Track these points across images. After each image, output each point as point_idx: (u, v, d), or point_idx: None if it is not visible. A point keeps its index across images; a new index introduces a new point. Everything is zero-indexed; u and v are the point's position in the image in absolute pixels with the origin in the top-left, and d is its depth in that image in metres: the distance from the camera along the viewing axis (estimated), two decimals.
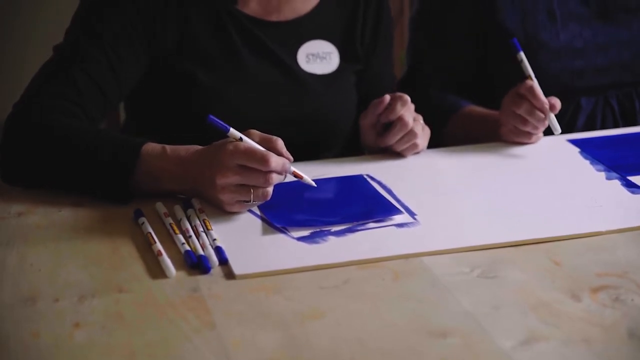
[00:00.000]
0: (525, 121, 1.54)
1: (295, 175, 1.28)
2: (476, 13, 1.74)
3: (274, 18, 1.56)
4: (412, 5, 1.87)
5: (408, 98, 1.47)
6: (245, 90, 1.52)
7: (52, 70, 1.42)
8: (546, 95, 1.54)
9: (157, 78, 1.51)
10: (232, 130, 1.25)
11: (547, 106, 1.53)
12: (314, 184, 1.30)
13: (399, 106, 1.46)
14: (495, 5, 1.73)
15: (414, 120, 1.47)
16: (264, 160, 1.22)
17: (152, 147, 1.30)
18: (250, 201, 1.25)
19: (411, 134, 1.47)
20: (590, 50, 1.75)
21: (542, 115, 1.53)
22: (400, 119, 1.46)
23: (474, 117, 1.68)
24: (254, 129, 1.28)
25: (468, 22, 1.75)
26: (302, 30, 1.58)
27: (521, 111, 1.54)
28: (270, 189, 1.25)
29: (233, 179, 1.24)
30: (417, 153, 1.51)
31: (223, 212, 1.27)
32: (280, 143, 1.27)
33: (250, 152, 1.23)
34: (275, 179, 1.25)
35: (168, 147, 1.30)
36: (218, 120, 1.25)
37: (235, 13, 1.53)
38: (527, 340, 0.98)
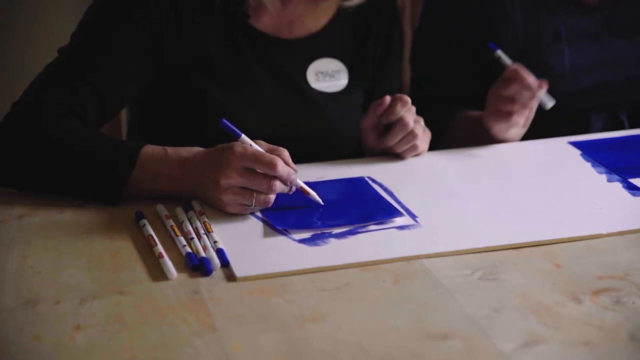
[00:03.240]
0: (512, 101, 1.54)
1: (302, 190, 1.29)
2: (477, 34, 1.73)
3: (286, 35, 1.56)
4: (413, 12, 1.86)
5: (409, 99, 1.47)
6: (255, 107, 1.52)
7: (54, 74, 1.41)
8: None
9: (167, 91, 1.51)
10: (243, 136, 1.27)
11: (535, 84, 1.53)
12: (321, 201, 1.30)
13: (399, 107, 1.46)
14: (496, 31, 1.72)
15: (415, 122, 1.47)
16: (272, 164, 1.23)
17: (152, 149, 1.30)
18: (251, 205, 1.25)
19: (411, 135, 1.47)
20: (597, 69, 1.73)
21: (530, 93, 1.53)
22: (401, 120, 1.46)
23: (473, 118, 1.68)
24: None
25: (468, 42, 1.74)
26: (312, 48, 1.58)
27: (509, 92, 1.53)
28: (272, 196, 1.26)
29: (237, 181, 1.24)
30: (418, 155, 1.51)
31: (224, 214, 1.27)
32: (286, 153, 1.28)
33: (258, 156, 1.24)
34: (279, 187, 1.25)
35: (169, 149, 1.30)
36: (231, 125, 1.27)
37: (248, 29, 1.53)
38: (527, 343, 0.98)
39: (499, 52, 1.58)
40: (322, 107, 1.57)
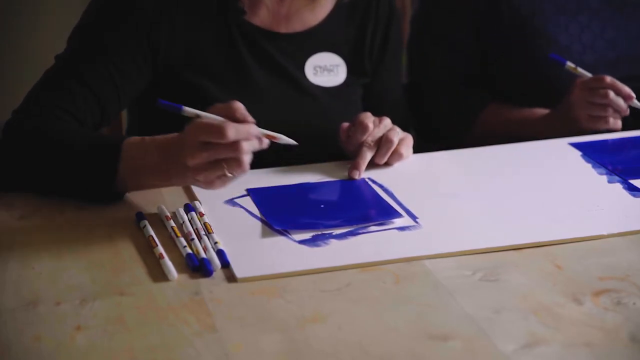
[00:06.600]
0: (604, 107, 1.62)
1: (269, 137, 1.23)
2: (479, 10, 1.74)
3: (283, 30, 1.55)
4: (413, 4, 1.87)
5: (369, 124, 1.44)
6: (253, 103, 1.51)
7: (52, 80, 1.41)
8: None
9: (165, 89, 1.50)
10: (185, 107, 1.20)
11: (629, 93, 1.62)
12: (293, 142, 1.27)
13: (359, 135, 1.44)
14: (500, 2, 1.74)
15: (391, 129, 1.45)
16: (221, 131, 1.16)
17: (132, 140, 1.27)
18: (227, 175, 1.19)
19: (388, 141, 1.43)
20: (599, 44, 1.74)
21: (626, 103, 1.62)
22: (363, 144, 1.44)
23: (537, 119, 1.70)
24: None
25: (471, 19, 1.75)
26: (310, 43, 1.57)
27: (604, 100, 1.62)
28: (244, 157, 1.18)
29: (202, 157, 1.18)
30: (403, 160, 1.48)
31: (225, 215, 1.26)
32: (239, 109, 1.20)
33: (206, 127, 1.17)
34: (246, 146, 1.18)
35: (147, 138, 1.27)
36: (168, 102, 1.21)
37: (244, 24, 1.52)
38: (528, 344, 0.98)
39: (570, 64, 1.63)
40: (321, 102, 1.57)
